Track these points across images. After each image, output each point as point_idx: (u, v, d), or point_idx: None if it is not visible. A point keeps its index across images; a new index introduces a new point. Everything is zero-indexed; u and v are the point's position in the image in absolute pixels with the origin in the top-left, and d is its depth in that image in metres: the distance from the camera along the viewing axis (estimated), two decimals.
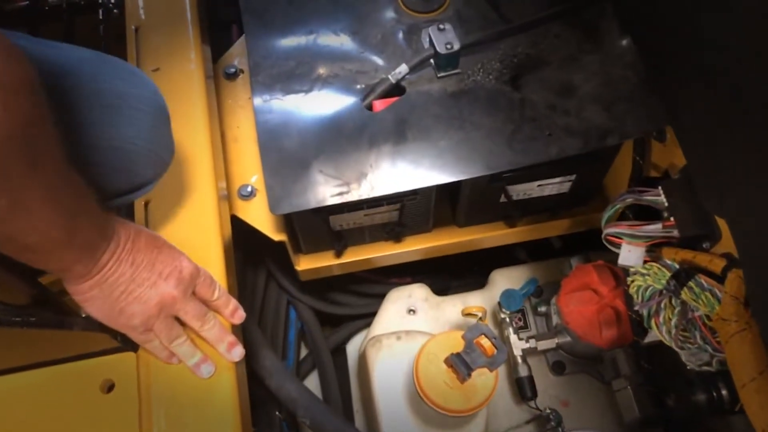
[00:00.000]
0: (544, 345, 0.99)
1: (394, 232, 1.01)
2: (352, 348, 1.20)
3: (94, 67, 0.68)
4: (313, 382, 1.16)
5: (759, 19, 0.61)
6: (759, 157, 0.64)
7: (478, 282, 1.21)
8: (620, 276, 0.95)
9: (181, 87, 0.89)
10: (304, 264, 1.02)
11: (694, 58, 0.74)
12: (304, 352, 1.20)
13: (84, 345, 0.67)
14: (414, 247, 1.04)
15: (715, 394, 0.83)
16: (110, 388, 0.68)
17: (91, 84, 0.65)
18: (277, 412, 0.97)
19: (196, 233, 0.79)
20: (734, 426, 0.90)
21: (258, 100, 0.89)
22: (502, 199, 0.97)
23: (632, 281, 0.79)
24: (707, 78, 0.71)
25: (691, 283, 0.73)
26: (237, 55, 1.07)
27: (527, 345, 0.99)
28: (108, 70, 0.69)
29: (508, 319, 1.01)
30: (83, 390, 0.67)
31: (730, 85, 0.67)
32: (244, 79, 1.05)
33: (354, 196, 0.83)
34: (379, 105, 0.88)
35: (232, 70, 1.05)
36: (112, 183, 0.68)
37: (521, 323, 1.07)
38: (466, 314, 0.95)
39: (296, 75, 0.90)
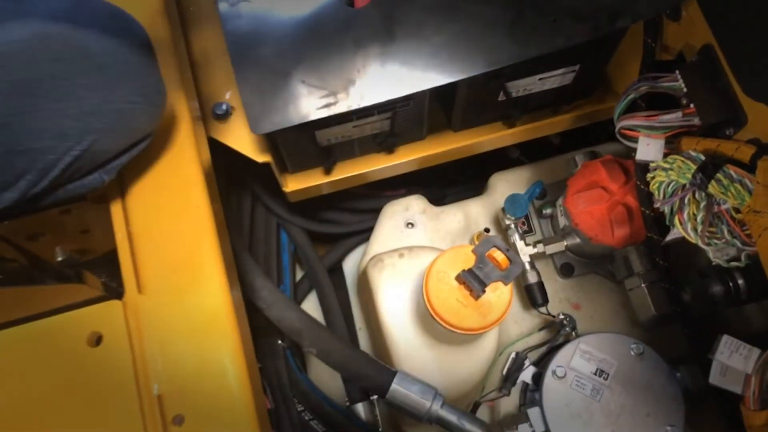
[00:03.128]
0: (552, 249, 0.95)
1: (387, 143, 0.93)
2: (349, 266, 1.15)
3: (79, 22, 0.62)
4: (311, 303, 1.11)
5: None
6: None
7: (475, 188, 1.15)
8: (629, 170, 0.90)
9: None
10: (292, 185, 0.95)
11: None
12: (299, 273, 1.15)
13: (64, 297, 0.61)
14: (408, 157, 0.96)
15: (731, 284, 0.81)
16: (98, 340, 0.62)
17: (81, 44, 0.61)
18: (279, 341, 0.93)
19: (172, 162, 0.71)
20: (750, 315, 0.88)
21: (223, 5, 0.79)
22: (501, 97, 0.90)
23: (653, 177, 0.74)
24: None
25: (719, 175, 0.68)
26: None
27: (535, 250, 0.95)
28: (92, 23, 0.63)
29: (513, 225, 0.96)
30: (69, 345, 0.61)
31: None
32: None
33: (342, 107, 0.75)
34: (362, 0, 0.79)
35: None
36: (116, 144, 0.66)
37: (526, 227, 1.02)
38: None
39: None
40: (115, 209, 0.69)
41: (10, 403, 0.59)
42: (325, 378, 1.00)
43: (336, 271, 1.15)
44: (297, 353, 0.99)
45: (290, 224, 1.08)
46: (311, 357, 1.03)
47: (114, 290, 0.63)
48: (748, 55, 0.67)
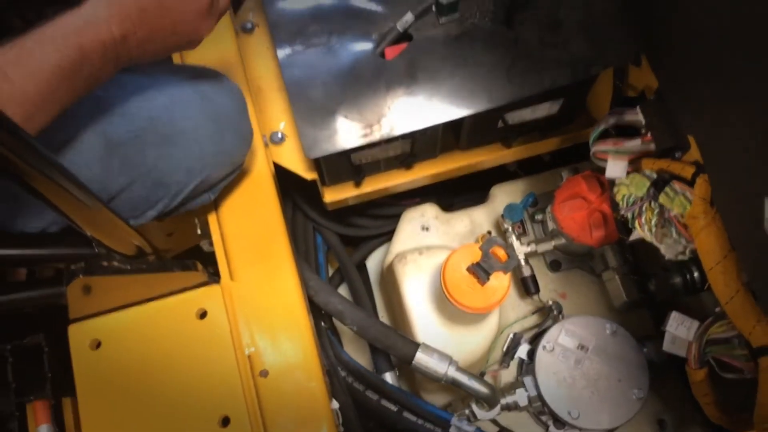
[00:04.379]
0: (542, 248, 1.15)
1: (406, 162, 1.13)
2: (372, 264, 1.34)
3: (200, 88, 0.81)
4: (342, 294, 1.31)
5: None
6: (721, 80, 0.77)
7: (479, 197, 1.34)
8: (605, 183, 1.09)
9: (215, 42, 1.00)
10: (329, 196, 1.14)
11: None
12: (330, 271, 1.35)
13: (179, 282, 0.82)
14: (424, 173, 1.15)
15: (688, 276, 0.97)
16: (203, 315, 0.83)
17: (203, 105, 0.80)
18: (322, 323, 1.13)
19: (251, 179, 0.91)
20: (704, 301, 1.04)
21: (282, 55, 0.98)
22: (500, 124, 1.09)
23: (618, 191, 0.94)
24: (676, 9, 0.82)
25: (667, 189, 0.87)
26: (250, 9, 1.16)
27: (528, 249, 1.15)
28: (208, 88, 0.81)
29: (510, 229, 1.17)
30: (183, 318, 0.82)
31: (697, 16, 0.79)
32: (258, 32, 1.14)
33: (376, 136, 0.95)
34: (391, 52, 0.98)
35: (249, 25, 1.14)
36: (223, 174, 0.85)
37: (521, 230, 1.22)
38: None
39: (313, 30, 0.99)
40: (211, 217, 0.91)
41: (146, 354, 0.80)
42: (355, 355, 1.20)
43: (360, 268, 1.34)
44: (335, 334, 1.19)
45: (324, 228, 1.28)
46: (345, 338, 1.23)
47: (214, 277, 0.83)
48: (679, 99, 0.87)
